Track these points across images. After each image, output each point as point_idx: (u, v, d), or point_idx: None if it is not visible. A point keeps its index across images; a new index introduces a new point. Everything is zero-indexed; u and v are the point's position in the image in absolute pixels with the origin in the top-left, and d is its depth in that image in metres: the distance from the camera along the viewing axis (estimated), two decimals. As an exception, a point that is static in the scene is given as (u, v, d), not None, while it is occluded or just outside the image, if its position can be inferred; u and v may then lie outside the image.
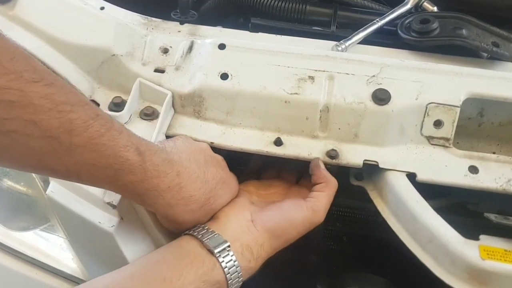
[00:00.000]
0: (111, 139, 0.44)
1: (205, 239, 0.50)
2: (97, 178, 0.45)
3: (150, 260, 0.48)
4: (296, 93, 0.59)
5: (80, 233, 0.59)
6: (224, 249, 0.50)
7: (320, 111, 0.59)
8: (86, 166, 0.43)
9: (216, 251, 0.49)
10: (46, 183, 0.57)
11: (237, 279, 0.50)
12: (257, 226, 0.54)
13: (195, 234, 0.51)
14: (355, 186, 0.63)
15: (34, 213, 0.69)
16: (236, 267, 0.49)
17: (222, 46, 0.63)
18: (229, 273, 0.49)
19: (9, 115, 0.37)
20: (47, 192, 0.56)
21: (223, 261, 0.49)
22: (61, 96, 0.40)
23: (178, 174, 0.50)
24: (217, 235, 0.51)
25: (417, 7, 0.72)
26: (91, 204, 0.54)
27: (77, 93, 0.43)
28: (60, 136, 0.40)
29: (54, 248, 0.78)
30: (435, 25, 0.66)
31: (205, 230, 0.51)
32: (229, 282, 0.49)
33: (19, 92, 0.37)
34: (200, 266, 0.48)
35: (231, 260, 0.49)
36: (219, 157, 0.59)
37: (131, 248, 0.55)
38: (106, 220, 0.53)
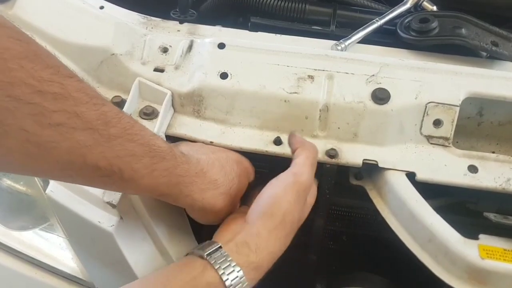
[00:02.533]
0: (141, 129, 0.45)
1: (196, 249, 0.48)
2: (137, 172, 0.45)
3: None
4: (295, 93, 0.59)
5: (79, 232, 0.59)
6: (215, 250, 0.47)
7: (320, 111, 0.59)
8: (126, 157, 0.43)
9: (205, 253, 0.47)
10: (46, 183, 0.57)
11: (237, 278, 0.47)
12: (248, 220, 0.52)
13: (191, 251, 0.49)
14: (355, 185, 0.63)
15: (33, 213, 0.69)
16: (233, 266, 0.46)
17: (221, 46, 0.63)
18: (223, 272, 0.46)
19: (55, 107, 0.38)
20: (46, 192, 0.56)
21: (214, 261, 0.46)
22: (92, 91, 0.42)
23: (198, 161, 0.51)
24: (208, 242, 0.49)
25: (417, 7, 0.72)
26: (91, 203, 0.54)
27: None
28: (99, 128, 0.41)
29: (53, 247, 0.78)
30: (434, 24, 0.66)
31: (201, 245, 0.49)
32: (225, 281, 0.46)
33: (60, 85, 0.38)
34: (189, 272, 0.46)
35: (224, 259, 0.46)
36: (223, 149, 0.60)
37: (131, 247, 0.55)
38: (105, 219, 0.53)
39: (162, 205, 0.58)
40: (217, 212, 0.53)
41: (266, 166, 0.63)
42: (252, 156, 0.61)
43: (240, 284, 0.46)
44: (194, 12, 0.72)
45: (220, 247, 0.48)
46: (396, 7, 0.71)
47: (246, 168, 0.59)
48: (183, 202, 0.51)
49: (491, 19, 0.68)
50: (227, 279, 0.45)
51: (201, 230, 0.62)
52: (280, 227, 0.51)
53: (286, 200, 0.52)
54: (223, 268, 0.46)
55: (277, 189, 0.52)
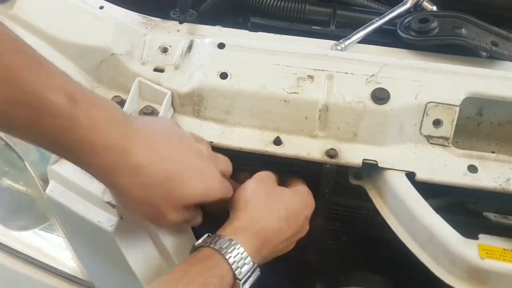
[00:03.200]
0: (35, 77, 0.41)
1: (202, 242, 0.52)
2: (16, 120, 0.41)
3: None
4: (295, 93, 0.59)
5: (79, 232, 0.59)
6: (230, 244, 0.50)
7: (320, 111, 0.59)
8: (2, 101, 0.40)
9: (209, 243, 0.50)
10: (46, 183, 0.57)
11: (243, 260, 0.50)
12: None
13: (206, 244, 0.51)
14: (354, 185, 0.63)
15: (33, 213, 0.69)
16: (233, 244, 0.50)
17: (221, 46, 0.63)
18: (234, 261, 0.49)
19: None
20: (46, 192, 0.56)
21: (219, 247, 0.49)
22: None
23: (126, 137, 0.46)
24: (224, 237, 0.51)
25: (417, 7, 0.72)
26: (91, 203, 0.54)
27: (17, 38, 0.42)
28: None
29: (53, 247, 0.78)
30: (434, 24, 0.66)
31: (217, 237, 0.52)
32: (228, 259, 0.49)
33: None
34: (203, 261, 0.49)
35: (228, 243, 0.50)
36: (207, 151, 0.57)
37: (130, 247, 0.56)
38: (105, 219, 0.53)
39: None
40: (130, 200, 0.49)
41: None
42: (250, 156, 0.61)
43: (242, 260, 0.50)
44: (194, 12, 0.72)
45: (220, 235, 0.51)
46: (396, 7, 0.71)
47: (205, 183, 0.53)
48: (84, 168, 0.47)
49: (491, 19, 0.68)
50: (230, 257, 0.49)
51: (201, 230, 0.62)
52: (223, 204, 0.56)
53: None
54: (225, 248, 0.49)
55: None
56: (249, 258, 0.50)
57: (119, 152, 0.45)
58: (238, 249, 0.50)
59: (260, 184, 0.59)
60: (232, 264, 0.49)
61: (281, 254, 0.58)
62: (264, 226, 0.54)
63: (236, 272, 0.49)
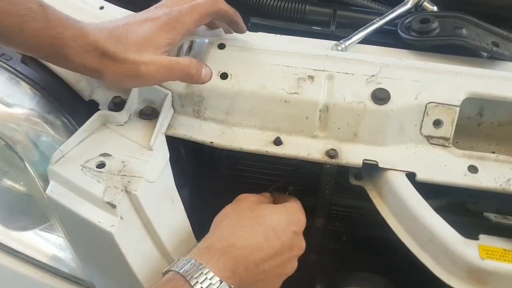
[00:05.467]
0: None
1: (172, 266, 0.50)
2: (7, 28, 0.47)
3: None
4: (295, 93, 0.59)
5: (79, 232, 0.59)
6: (197, 267, 0.48)
7: (320, 111, 0.59)
8: None
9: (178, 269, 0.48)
10: (46, 183, 0.57)
11: (207, 279, 0.47)
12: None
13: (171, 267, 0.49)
14: (355, 185, 0.63)
15: (33, 213, 0.69)
16: (202, 269, 0.47)
17: (221, 46, 0.63)
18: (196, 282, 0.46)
19: None
20: (46, 192, 0.56)
21: (187, 273, 0.47)
22: None
23: (74, 25, 0.52)
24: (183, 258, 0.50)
25: (417, 7, 0.72)
26: (91, 203, 0.54)
27: None
28: None
29: (53, 247, 0.78)
30: (435, 24, 0.66)
31: (183, 260, 0.50)
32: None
33: None
34: None
35: (195, 268, 0.48)
36: None
37: (131, 248, 0.55)
38: (105, 219, 0.53)
39: (162, 205, 0.58)
40: (112, 74, 0.53)
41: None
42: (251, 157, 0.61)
43: (210, 283, 0.46)
44: (194, 12, 0.72)
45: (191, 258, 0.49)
46: (396, 7, 0.71)
47: (149, 27, 0.55)
48: (67, 66, 0.53)
49: (491, 20, 0.68)
50: (196, 282, 0.46)
51: (202, 230, 0.62)
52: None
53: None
54: (191, 272, 0.47)
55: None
56: (214, 276, 0.47)
57: (81, 38, 0.51)
58: (203, 270, 0.47)
59: (234, 205, 0.58)
60: (194, 285, 0.46)
61: (278, 274, 0.56)
62: (233, 244, 0.51)
63: None
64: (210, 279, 0.47)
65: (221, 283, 0.47)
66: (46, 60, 0.57)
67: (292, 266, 0.58)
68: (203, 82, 0.58)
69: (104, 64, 0.52)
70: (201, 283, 0.46)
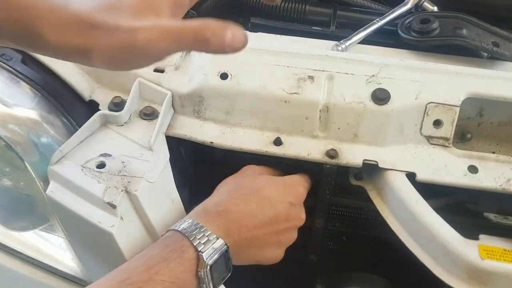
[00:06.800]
0: None
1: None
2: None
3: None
4: (295, 93, 0.59)
5: (79, 233, 0.59)
6: (192, 224, 0.50)
7: (320, 111, 0.59)
8: None
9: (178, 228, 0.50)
10: (46, 183, 0.57)
11: (204, 235, 0.49)
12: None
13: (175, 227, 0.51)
14: (355, 185, 0.63)
15: (33, 213, 0.69)
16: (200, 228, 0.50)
17: (221, 46, 0.63)
18: (194, 237, 0.49)
19: None
20: (46, 192, 0.56)
21: (186, 231, 0.49)
22: None
23: None
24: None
25: (417, 7, 0.72)
26: (91, 204, 0.54)
27: None
28: None
29: (53, 248, 0.78)
30: (435, 25, 0.66)
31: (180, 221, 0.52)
32: (192, 241, 0.48)
33: None
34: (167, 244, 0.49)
35: (196, 229, 0.50)
36: None
37: (131, 248, 0.55)
38: (105, 220, 0.53)
39: (162, 205, 0.58)
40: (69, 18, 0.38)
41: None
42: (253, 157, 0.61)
43: (203, 235, 0.49)
44: (194, 12, 0.72)
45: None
46: (396, 7, 0.71)
47: None
48: (41, 48, 0.40)
49: (492, 20, 0.68)
50: (191, 235, 0.49)
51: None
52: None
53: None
54: (186, 228, 0.50)
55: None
56: (211, 233, 0.49)
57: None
58: (200, 228, 0.49)
59: (236, 175, 0.60)
60: (192, 239, 0.48)
61: (274, 243, 0.57)
62: (227, 209, 0.53)
63: (196, 245, 0.48)
64: (207, 235, 0.49)
65: (217, 239, 0.49)
66: (14, 45, 0.41)
67: (290, 236, 0.59)
68: (232, 49, 0.39)
69: (92, 39, 0.38)
70: (199, 238, 0.48)
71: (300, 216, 0.60)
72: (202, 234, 0.49)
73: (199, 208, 0.54)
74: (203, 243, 0.48)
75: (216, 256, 0.48)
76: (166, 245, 0.48)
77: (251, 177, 0.60)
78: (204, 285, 0.48)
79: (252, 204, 0.55)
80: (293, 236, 0.60)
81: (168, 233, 0.51)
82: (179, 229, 0.50)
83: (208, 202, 0.56)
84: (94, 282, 0.45)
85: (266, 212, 0.55)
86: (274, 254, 0.59)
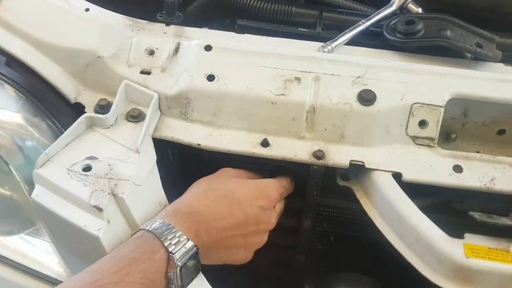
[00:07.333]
0: None
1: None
2: None
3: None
4: (282, 94, 0.59)
5: (66, 237, 0.58)
6: (163, 224, 0.51)
7: (306, 112, 0.59)
8: None
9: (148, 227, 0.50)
10: (31, 187, 0.57)
11: (174, 236, 0.49)
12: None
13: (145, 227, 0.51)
14: (342, 186, 0.63)
15: (19, 217, 0.68)
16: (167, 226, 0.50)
17: (208, 48, 0.63)
18: (165, 237, 0.49)
19: None
20: (32, 196, 0.55)
21: (157, 231, 0.49)
22: None
23: None
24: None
25: (402, 9, 0.73)
26: (77, 207, 0.53)
27: None
28: None
29: (39, 252, 0.77)
30: (420, 26, 0.66)
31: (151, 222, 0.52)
32: (163, 241, 0.49)
33: None
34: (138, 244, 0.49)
35: (172, 234, 0.50)
36: None
37: (118, 251, 0.55)
38: (92, 223, 0.53)
39: (150, 208, 0.58)
40: None
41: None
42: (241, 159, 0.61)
43: (174, 236, 0.49)
44: (180, 14, 0.72)
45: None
46: (382, 9, 0.72)
47: None
48: None
49: (475, 21, 0.69)
50: (162, 236, 0.49)
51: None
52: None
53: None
54: (157, 228, 0.50)
55: None
56: (182, 234, 0.50)
57: None
58: (171, 229, 0.50)
59: (210, 176, 0.60)
60: (163, 240, 0.48)
61: (243, 245, 0.58)
62: (197, 210, 0.53)
63: (167, 245, 0.48)
64: (178, 236, 0.49)
65: (188, 241, 0.50)
66: None
67: (259, 240, 0.60)
68: None
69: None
70: (170, 239, 0.49)
71: (269, 220, 0.60)
72: (173, 235, 0.49)
73: (170, 208, 0.55)
74: (174, 244, 0.48)
75: (186, 258, 0.49)
76: (137, 245, 0.48)
77: (224, 179, 0.60)
78: (173, 286, 0.48)
79: (223, 207, 0.55)
80: (262, 239, 0.60)
81: (139, 233, 0.51)
82: (150, 229, 0.50)
83: (179, 202, 0.56)
84: (62, 283, 0.45)
85: (235, 215, 0.56)
86: (241, 256, 0.59)
